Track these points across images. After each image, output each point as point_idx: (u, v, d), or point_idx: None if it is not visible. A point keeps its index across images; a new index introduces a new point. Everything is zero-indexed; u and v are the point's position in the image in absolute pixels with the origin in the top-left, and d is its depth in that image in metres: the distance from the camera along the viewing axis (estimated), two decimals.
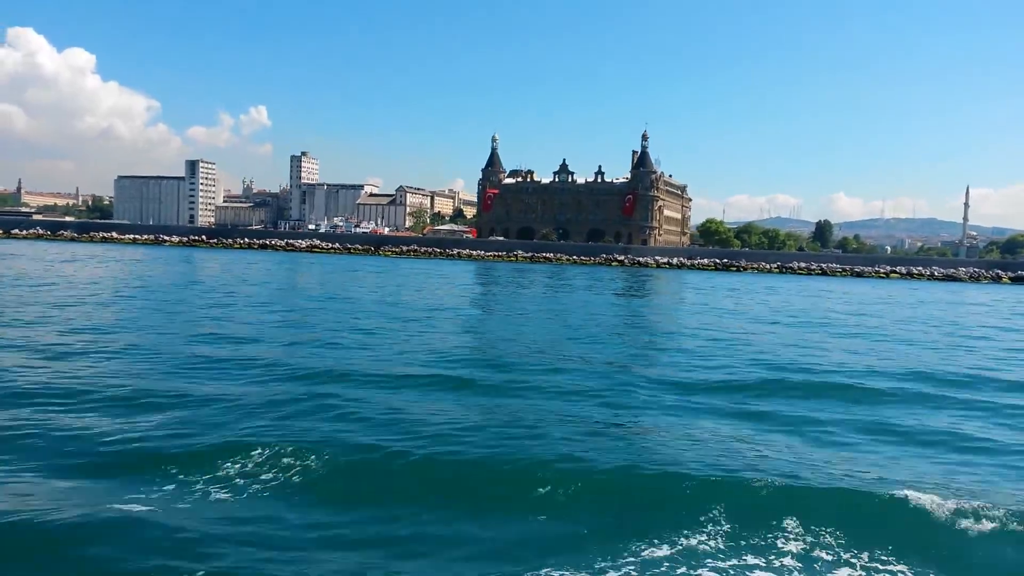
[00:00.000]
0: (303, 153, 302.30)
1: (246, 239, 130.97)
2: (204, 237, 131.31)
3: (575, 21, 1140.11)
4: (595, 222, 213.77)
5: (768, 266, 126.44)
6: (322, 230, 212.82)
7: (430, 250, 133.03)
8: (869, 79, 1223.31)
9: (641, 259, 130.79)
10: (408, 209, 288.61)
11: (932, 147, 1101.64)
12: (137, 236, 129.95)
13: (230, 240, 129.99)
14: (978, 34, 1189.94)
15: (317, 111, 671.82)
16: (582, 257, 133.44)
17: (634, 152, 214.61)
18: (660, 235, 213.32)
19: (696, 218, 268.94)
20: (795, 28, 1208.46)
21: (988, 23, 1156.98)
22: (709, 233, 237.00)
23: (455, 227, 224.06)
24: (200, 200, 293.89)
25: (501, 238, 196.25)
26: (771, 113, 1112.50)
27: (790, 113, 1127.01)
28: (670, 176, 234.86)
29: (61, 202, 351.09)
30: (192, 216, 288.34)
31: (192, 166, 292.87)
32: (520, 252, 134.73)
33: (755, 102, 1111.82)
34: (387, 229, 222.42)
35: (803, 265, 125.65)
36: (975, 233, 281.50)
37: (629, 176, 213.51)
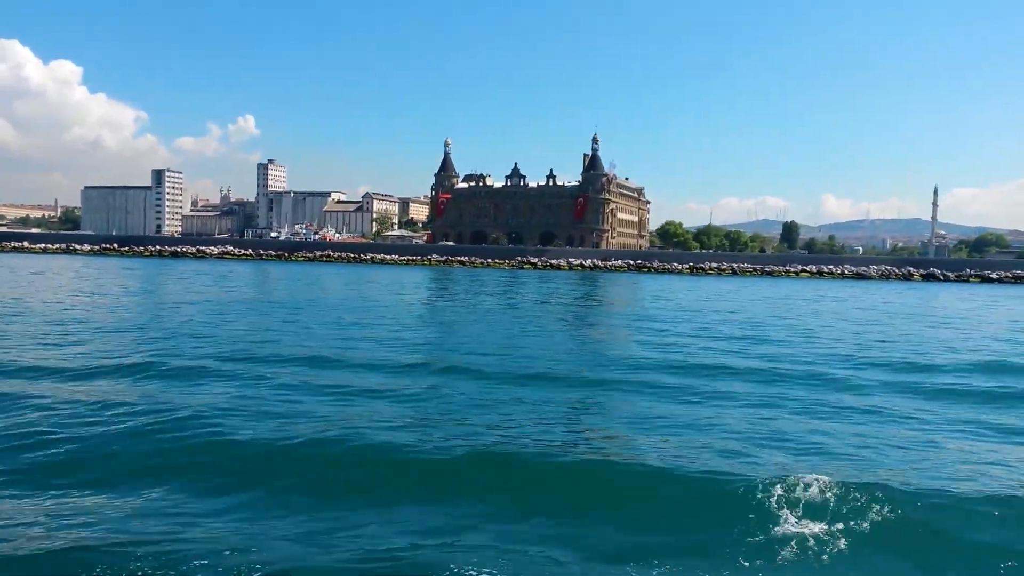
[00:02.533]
0: (270, 161, 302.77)
1: (157, 246, 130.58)
2: (116, 245, 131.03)
3: (565, 22, 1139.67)
4: (547, 225, 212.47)
5: (680, 267, 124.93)
6: (281, 238, 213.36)
7: (343, 255, 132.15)
8: (859, 81, 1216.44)
9: (554, 262, 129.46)
10: (374, 215, 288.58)
11: (921, 149, 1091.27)
12: (48, 245, 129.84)
13: (141, 248, 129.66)
14: (968, 36, 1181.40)
15: (306, 120, 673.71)
16: (496, 260, 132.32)
17: (585, 155, 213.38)
18: (614, 238, 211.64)
19: (687, 221, 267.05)
20: (786, 30, 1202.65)
21: (977, 24, 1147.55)
22: (668, 235, 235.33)
23: (405, 232, 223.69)
24: (168, 209, 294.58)
25: (452, 243, 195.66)
26: (763, 116, 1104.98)
27: (782, 116, 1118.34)
28: (626, 179, 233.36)
29: (38, 214, 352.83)
30: (159, 226, 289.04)
31: (158, 175, 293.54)
32: (435, 256, 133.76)
33: (746, 106, 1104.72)
34: (337, 235, 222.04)
35: (714, 266, 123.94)
36: (943, 232, 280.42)
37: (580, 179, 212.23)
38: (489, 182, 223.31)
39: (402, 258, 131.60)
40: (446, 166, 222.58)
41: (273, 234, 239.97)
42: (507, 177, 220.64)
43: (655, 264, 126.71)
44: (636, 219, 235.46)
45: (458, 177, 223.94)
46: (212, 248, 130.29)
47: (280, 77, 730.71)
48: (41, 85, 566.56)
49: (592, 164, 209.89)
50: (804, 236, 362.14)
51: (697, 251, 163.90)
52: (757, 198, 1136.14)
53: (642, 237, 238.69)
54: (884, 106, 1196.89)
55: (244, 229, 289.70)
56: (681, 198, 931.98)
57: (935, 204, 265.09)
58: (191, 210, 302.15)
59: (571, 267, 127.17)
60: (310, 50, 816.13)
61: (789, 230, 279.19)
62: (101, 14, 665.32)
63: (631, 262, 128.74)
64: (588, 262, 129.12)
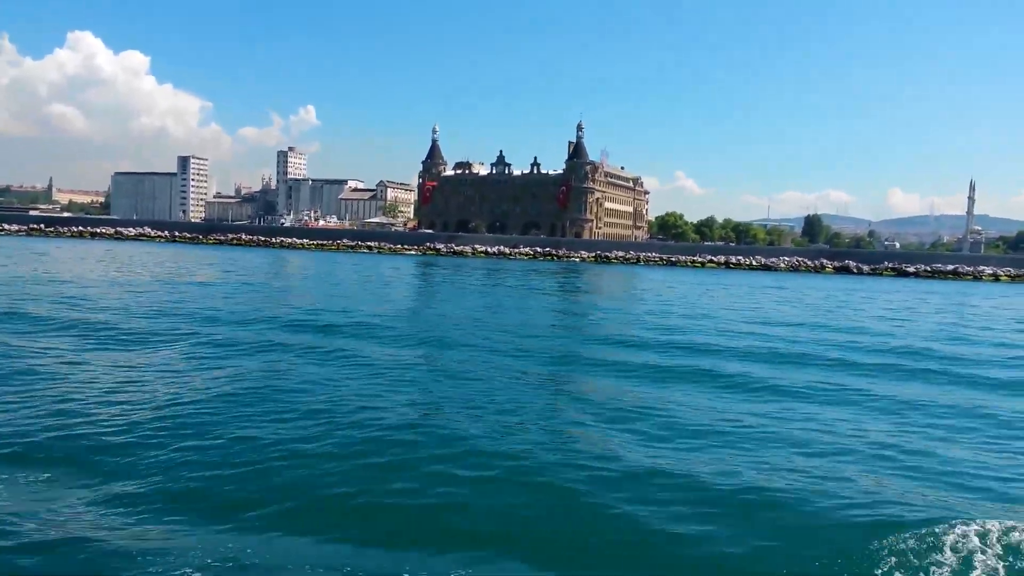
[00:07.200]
0: (290, 148, 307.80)
1: (79, 227, 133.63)
2: (43, 226, 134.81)
3: (600, 9, 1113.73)
4: (531, 214, 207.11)
5: (587, 254, 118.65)
6: (287, 224, 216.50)
7: (254, 239, 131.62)
8: (931, 72, 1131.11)
9: (458, 248, 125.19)
10: (386, 203, 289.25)
11: (991, 143, 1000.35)
12: None
13: (66, 228, 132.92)
14: None
15: (366, 110, 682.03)
16: (405, 246, 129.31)
17: (570, 143, 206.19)
18: (599, 228, 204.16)
19: (743, 215, 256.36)
20: (847, 18, 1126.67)
21: None
22: (668, 227, 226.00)
23: (385, 220, 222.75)
24: (192, 196, 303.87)
25: (429, 230, 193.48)
26: (829, 106, 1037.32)
27: (850, 107, 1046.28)
28: (621, 168, 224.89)
29: (87, 199, 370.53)
30: (184, 211, 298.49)
31: (184, 162, 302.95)
32: (345, 240, 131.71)
33: (808, 95, 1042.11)
34: (328, 222, 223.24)
35: (620, 254, 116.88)
36: (979, 228, 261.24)
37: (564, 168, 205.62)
38: (477, 170, 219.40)
39: (312, 242, 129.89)
40: (433, 153, 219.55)
41: (282, 221, 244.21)
42: (492, 165, 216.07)
43: (561, 252, 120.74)
44: (630, 209, 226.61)
45: (446, 164, 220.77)
46: (129, 230, 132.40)
47: (339, 67, 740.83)
48: (112, 74, 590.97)
49: (576, 152, 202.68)
50: (861, 231, 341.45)
51: (600, 240, 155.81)
52: (820, 192, 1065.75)
53: (639, 228, 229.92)
54: (957, 98, 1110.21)
55: (262, 215, 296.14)
56: (736, 191, 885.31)
57: (971, 198, 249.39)
58: (214, 197, 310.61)
59: (475, 253, 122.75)
60: (375, 40, 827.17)
61: (811, 224, 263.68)
62: (169, 5, 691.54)
63: (539, 249, 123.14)
64: (494, 249, 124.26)
